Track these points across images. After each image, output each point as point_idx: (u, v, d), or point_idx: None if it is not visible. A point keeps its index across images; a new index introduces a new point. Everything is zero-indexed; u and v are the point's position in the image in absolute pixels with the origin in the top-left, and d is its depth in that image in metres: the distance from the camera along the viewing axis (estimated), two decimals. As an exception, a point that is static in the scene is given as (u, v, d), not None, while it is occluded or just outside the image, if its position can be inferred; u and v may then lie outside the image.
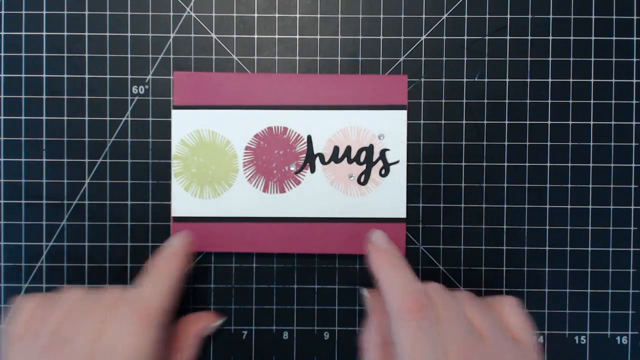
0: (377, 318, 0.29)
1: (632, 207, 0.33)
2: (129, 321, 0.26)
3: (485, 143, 0.33)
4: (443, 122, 0.33)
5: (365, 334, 0.30)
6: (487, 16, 0.33)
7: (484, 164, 0.33)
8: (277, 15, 0.33)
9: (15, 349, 0.27)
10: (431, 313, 0.26)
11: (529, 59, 0.33)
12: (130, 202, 0.33)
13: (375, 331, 0.29)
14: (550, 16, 0.33)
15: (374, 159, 0.33)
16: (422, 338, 0.25)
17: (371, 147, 0.33)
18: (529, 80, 0.33)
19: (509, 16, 0.33)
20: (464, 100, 0.33)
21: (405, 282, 0.27)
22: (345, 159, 0.33)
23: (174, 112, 0.32)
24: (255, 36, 0.33)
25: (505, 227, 0.33)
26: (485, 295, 0.33)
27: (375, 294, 0.30)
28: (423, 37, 0.33)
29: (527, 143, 0.33)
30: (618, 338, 0.33)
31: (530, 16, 0.33)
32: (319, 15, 0.33)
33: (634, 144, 0.33)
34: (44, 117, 0.33)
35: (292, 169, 0.33)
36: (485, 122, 0.33)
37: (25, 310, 0.28)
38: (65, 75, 0.33)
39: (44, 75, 0.33)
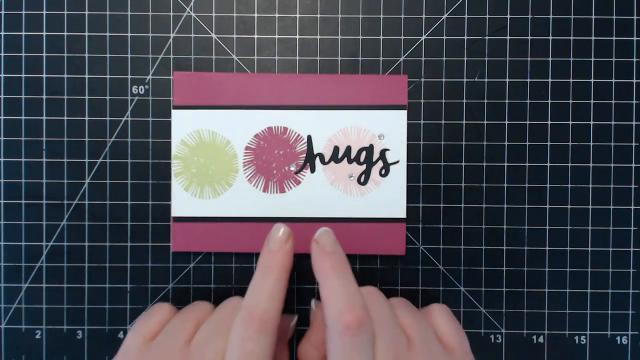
0: (317, 332, 0.29)
1: (632, 207, 0.33)
2: (245, 328, 0.25)
3: (485, 143, 0.33)
4: (443, 122, 0.33)
5: (302, 346, 0.29)
6: (487, 16, 0.33)
7: (484, 164, 0.33)
8: (277, 15, 0.33)
9: (149, 349, 0.27)
10: (369, 327, 0.25)
11: (529, 59, 0.33)
12: (130, 202, 0.33)
13: (314, 345, 0.29)
14: (550, 16, 0.33)
15: (374, 159, 0.33)
16: (356, 352, 0.25)
17: (371, 147, 0.33)
18: (529, 80, 0.33)
19: (509, 16, 0.33)
20: (464, 100, 0.33)
21: (347, 294, 0.26)
22: (345, 159, 0.33)
23: (174, 112, 0.32)
24: (255, 36, 0.33)
25: (505, 227, 0.33)
26: (484, 294, 0.33)
27: (321, 307, 0.29)
28: (423, 37, 0.33)
29: (527, 143, 0.33)
30: (618, 338, 0.33)
31: (530, 16, 0.33)
32: (319, 15, 0.33)
33: (634, 144, 0.33)
34: (44, 117, 0.33)
35: (292, 169, 0.33)
36: (485, 122, 0.33)
37: (156, 316, 0.29)
38: (65, 75, 0.33)
39: (44, 75, 0.33)
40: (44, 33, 0.33)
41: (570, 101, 0.33)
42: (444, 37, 0.33)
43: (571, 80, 0.33)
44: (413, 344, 0.27)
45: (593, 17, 0.33)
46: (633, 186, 0.33)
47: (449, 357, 0.27)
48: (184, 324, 0.28)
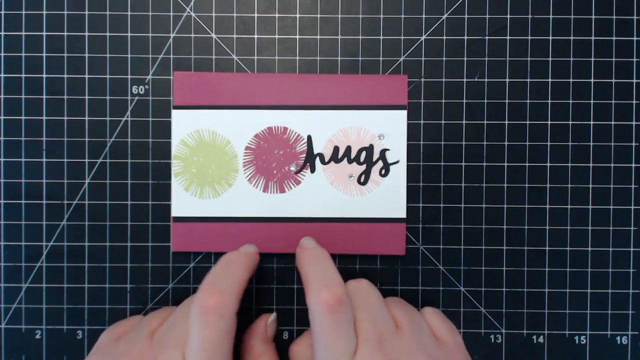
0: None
1: (632, 207, 0.33)
2: (194, 314, 0.26)
3: (485, 143, 0.33)
4: (443, 122, 0.33)
5: (296, 345, 0.30)
6: (487, 16, 0.33)
7: (484, 164, 0.33)
8: (277, 15, 0.33)
9: (117, 344, 0.28)
10: (349, 309, 0.26)
11: (529, 59, 0.33)
12: (130, 202, 0.33)
13: (307, 345, 0.29)
14: (550, 16, 0.33)
15: (374, 159, 0.33)
16: (337, 329, 0.25)
17: (371, 147, 0.33)
18: (529, 80, 0.33)
19: (509, 16, 0.33)
20: (464, 100, 0.33)
21: (324, 275, 0.27)
22: (345, 159, 0.33)
23: (173, 112, 0.32)
24: (255, 36, 0.33)
25: (505, 227, 0.33)
26: (484, 294, 0.33)
27: None
28: (423, 37, 0.33)
29: (527, 143, 0.33)
30: (618, 338, 0.33)
31: (530, 16, 0.33)
32: (319, 15, 0.33)
33: (634, 144, 0.33)
34: (44, 117, 0.33)
35: (292, 169, 0.33)
36: (485, 122, 0.33)
37: (129, 320, 0.31)
38: (65, 75, 0.33)
39: (44, 75, 0.33)
40: (44, 33, 0.33)
41: (570, 101, 0.33)
42: (444, 37, 0.33)
43: (571, 80, 0.33)
44: (401, 329, 0.27)
45: (593, 17, 0.33)
46: (633, 186, 0.33)
47: (440, 347, 0.27)
48: (151, 318, 0.29)
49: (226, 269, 0.28)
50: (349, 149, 0.33)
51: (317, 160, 0.33)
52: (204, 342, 0.25)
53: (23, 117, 0.33)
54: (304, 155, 0.33)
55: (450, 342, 0.28)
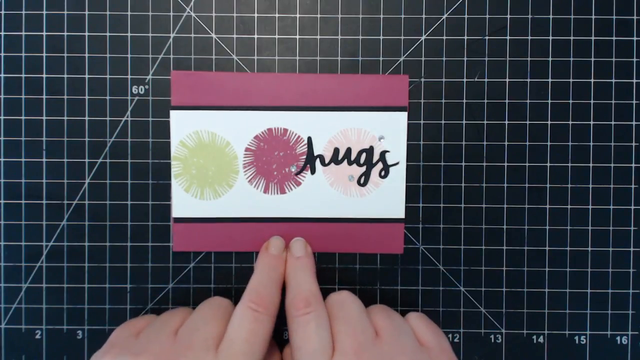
0: None
1: (632, 207, 0.33)
2: (253, 309, 0.27)
3: (485, 143, 0.33)
4: (443, 122, 0.33)
5: (287, 348, 0.31)
6: (487, 16, 0.33)
7: (484, 164, 0.33)
8: (277, 15, 0.33)
9: (135, 340, 0.28)
10: (318, 310, 0.28)
11: (529, 59, 0.33)
12: (130, 202, 0.33)
13: None
14: (550, 16, 0.33)
15: (374, 161, 0.33)
16: (308, 331, 0.27)
17: (371, 148, 0.32)
18: (529, 80, 0.33)
19: (509, 16, 0.33)
20: (464, 100, 0.33)
21: (300, 283, 0.29)
22: (346, 160, 0.33)
23: (172, 113, 0.32)
24: (255, 36, 0.33)
25: (505, 227, 0.33)
26: (484, 294, 0.33)
27: None
28: (423, 37, 0.33)
29: (527, 143, 0.33)
30: (618, 338, 0.33)
31: (530, 16, 0.33)
32: (319, 15, 0.33)
33: (634, 144, 0.33)
34: (44, 117, 0.33)
35: (293, 170, 0.33)
36: (485, 122, 0.33)
37: (143, 318, 0.31)
38: (65, 75, 0.33)
39: (44, 75, 0.33)
40: (44, 33, 0.33)
41: (570, 101, 0.33)
42: (444, 37, 0.33)
43: (571, 80, 0.33)
44: (381, 336, 0.27)
45: (593, 17, 0.33)
46: (633, 186, 0.33)
47: (423, 350, 0.27)
48: (170, 317, 0.29)
49: (269, 275, 0.30)
50: (349, 150, 0.33)
51: (318, 161, 0.33)
52: (251, 335, 0.26)
53: (23, 117, 0.33)
54: (304, 156, 0.33)
55: (436, 346, 0.28)
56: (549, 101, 0.33)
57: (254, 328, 0.27)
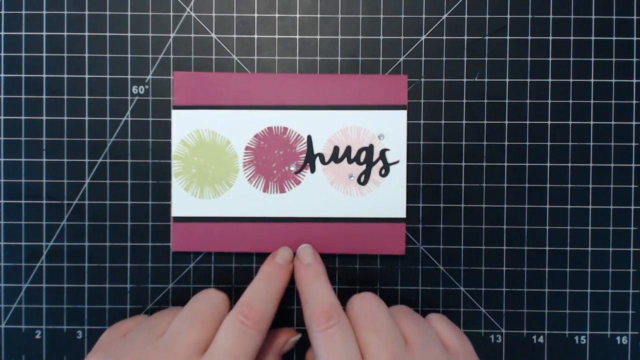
0: None
1: (632, 207, 0.33)
2: (242, 321, 0.27)
3: (485, 143, 0.33)
4: (443, 122, 0.33)
5: (310, 352, 0.31)
6: (487, 16, 0.33)
7: (484, 164, 0.33)
8: (277, 15, 0.33)
9: (122, 341, 0.28)
10: (341, 322, 0.27)
11: (529, 59, 0.33)
12: (130, 202, 0.33)
13: None
14: (550, 16, 0.33)
15: (374, 159, 0.33)
16: (333, 346, 0.26)
17: (371, 147, 0.33)
18: (529, 80, 0.33)
19: (509, 16, 0.33)
20: (464, 100, 0.33)
21: (318, 294, 0.28)
22: (345, 159, 0.33)
23: (173, 112, 0.32)
24: (255, 36, 0.33)
25: (505, 227, 0.33)
26: (484, 294, 0.33)
27: None
28: (423, 37, 0.33)
29: (527, 143, 0.33)
30: (618, 338, 0.33)
31: (530, 16, 0.33)
32: (319, 15, 0.33)
33: (634, 144, 0.33)
34: (44, 117, 0.33)
35: (292, 169, 0.33)
36: (485, 122, 0.33)
37: (133, 319, 0.31)
38: (65, 75, 0.33)
39: (44, 75, 0.33)
40: (44, 33, 0.33)
41: (570, 101, 0.33)
42: (444, 37, 0.33)
43: (571, 80, 0.33)
44: (411, 345, 0.27)
45: (593, 17, 0.33)
46: (633, 186, 0.33)
47: (451, 358, 0.27)
48: (158, 319, 0.29)
49: (268, 285, 0.29)
50: (349, 149, 0.33)
51: (317, 160, 0.33)
52: (236, 348, 0.26)
53: (23, 117, 0.33)
54: (304, 155, 0.33)
55: (460, 350, 0.28)
56: (549, 101, 0.33)
57: (240, 342, 0.26)
